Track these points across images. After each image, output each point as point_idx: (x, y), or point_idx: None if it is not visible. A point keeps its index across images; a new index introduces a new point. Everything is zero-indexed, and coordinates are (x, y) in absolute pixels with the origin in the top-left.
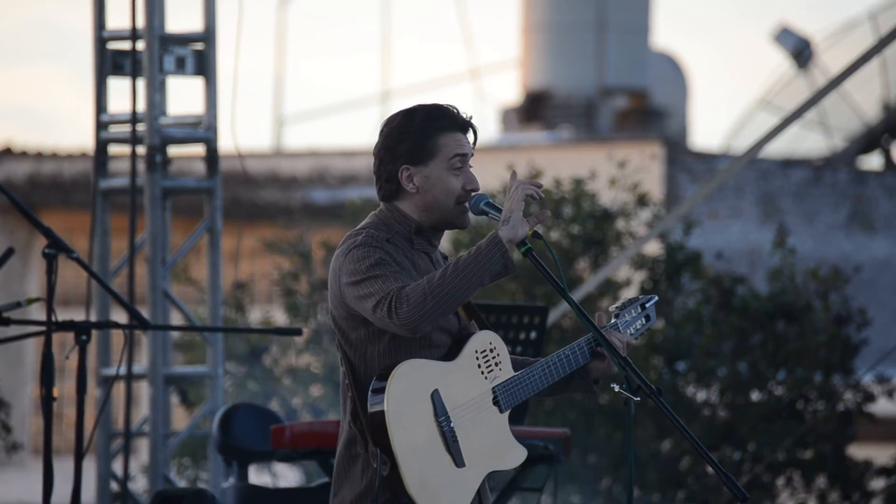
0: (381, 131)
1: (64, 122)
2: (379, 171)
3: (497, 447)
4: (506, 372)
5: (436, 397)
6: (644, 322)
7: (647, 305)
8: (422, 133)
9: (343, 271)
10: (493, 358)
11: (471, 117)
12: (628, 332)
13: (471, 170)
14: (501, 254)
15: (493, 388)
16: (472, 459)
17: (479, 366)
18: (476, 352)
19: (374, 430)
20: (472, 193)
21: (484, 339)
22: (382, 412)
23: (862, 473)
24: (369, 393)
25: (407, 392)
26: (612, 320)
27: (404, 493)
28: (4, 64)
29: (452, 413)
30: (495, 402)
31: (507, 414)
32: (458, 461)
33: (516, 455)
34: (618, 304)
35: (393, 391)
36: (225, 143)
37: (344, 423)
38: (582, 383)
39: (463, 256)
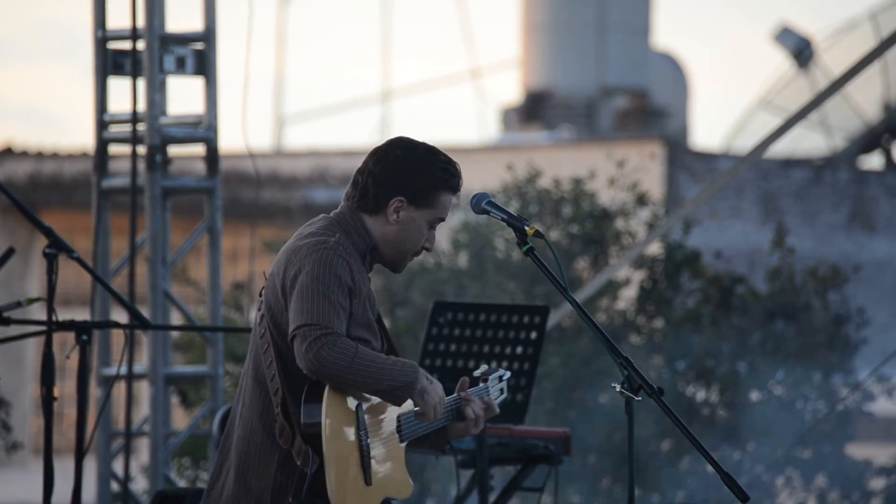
0: (395, 153)
1: (64, 121)
2: (371, 186)
3: (393, 476)
4: None
5: (359, 410)
6: (499, 394)
7: (504, 379)
8: (435, 183)
9: (304, 263)
10: None
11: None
12: (494, 397)
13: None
14: (407, 390)
15: (399, 415)
16: (377, 481)
17: None
18: None
19: (307, 438)
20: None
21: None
22: (319, 423)
23: (861, 473)
24: (303, 402)
25: (337, 402)
26: (481, 384)
27: (325, 498)
28: (5, 63)
29: (370, 429)
30: (399, 429)
31: (404, 445)
32: (367, 479)
33: (404, 489)
34: (481, 370)
35: (329, 402)
36: (229, 143)
37: (246, 410)
38: (436, 442)
39: (389, 361)
